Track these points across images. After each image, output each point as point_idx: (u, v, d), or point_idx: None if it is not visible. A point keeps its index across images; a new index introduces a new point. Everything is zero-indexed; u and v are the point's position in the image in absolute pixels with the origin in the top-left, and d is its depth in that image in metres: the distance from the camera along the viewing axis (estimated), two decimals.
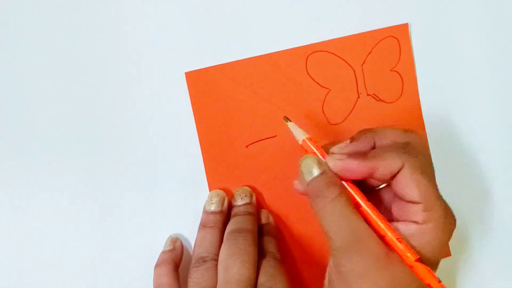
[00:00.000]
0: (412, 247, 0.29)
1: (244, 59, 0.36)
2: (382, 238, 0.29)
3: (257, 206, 0.36)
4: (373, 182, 0.32)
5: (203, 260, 0.32)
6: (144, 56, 0.35)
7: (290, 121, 0.34)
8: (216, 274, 0.31)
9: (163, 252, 0.35)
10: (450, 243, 0.40)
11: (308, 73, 0.37)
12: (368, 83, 0.38)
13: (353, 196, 0.30)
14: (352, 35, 0.37)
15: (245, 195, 0.35)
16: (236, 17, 0.36)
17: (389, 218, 0.31)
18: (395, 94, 0.39)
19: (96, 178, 0.35)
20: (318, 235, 0.35)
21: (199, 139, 0.35)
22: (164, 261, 0.34)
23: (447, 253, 0.40)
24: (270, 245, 0.34)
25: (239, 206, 0.35)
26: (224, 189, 0.35)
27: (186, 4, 0.35)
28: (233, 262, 0.31)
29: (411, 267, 0.29)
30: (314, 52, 0.37)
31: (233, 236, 0.32)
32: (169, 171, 0.35)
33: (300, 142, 0.33)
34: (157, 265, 0.34)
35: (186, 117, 0.35)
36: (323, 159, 0.31)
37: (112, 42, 0.35)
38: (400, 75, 0.39)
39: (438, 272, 0.40)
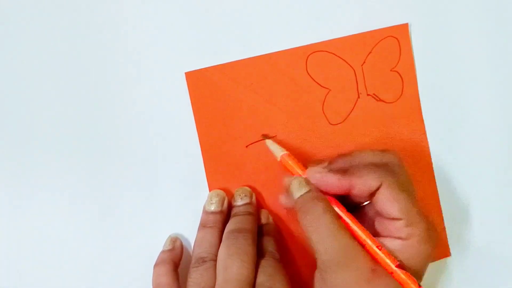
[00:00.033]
0: (400, 262, 0.30)
1: (244, 59, 0.36)
2: (362, 246, 0.30)
3: (257, 206, 0.36)
4: (357, 199, 0.33)
5: (202, 260, 0.32)
6: (144, 56, 0.35)
7: (269, 138, 0.35)
8: (216, 274, 0.31)
9: (162, 252, 0.35)
10: (450, 243, 0.40)
11: (308, 73, 0.37)
12: (368, 83, 0.38)
13: (334, 208, 0.31)
14: (352, 35, 0.37)
15: (245, 195, 0.35)
16: (236, 17, 0.36)
17: (373, 234, 0.32)
18: (395, 94, 0.39)
19: (96, 178, 0.35)
20: None
21: (199, 139, 0.35)
22: (163, 260, 0.34)
23: (447, 253, 0.40)
24: (269, 245, 0.34)
25: (239, 206, 0.35)
26: (224, 189, 0.35)
27: (186, 4, 0.35)
28: (232, 262, 0.31)
29: (391, 273, 0.30)
30: (314, 52, 0.37)
31: (232, 236, 0.32)
32: (169, 171, 0.35)
33: (279, 159, 0.34)
34: (156, 265, 0.34)
35: (186, 117, 0.35)
36: (309, 180, 0.32)
37: (112, 42, 0.35)
38: (400, 75, 0.39)
39: (438, 272, 0.40)
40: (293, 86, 0.37)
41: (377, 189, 0.31)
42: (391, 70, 0.39)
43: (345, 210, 0.32)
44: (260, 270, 0.31)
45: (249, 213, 0.34)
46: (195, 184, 0.36)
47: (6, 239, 0.34)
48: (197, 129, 0.35)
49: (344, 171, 0.31)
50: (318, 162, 0.34)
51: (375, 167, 0.31)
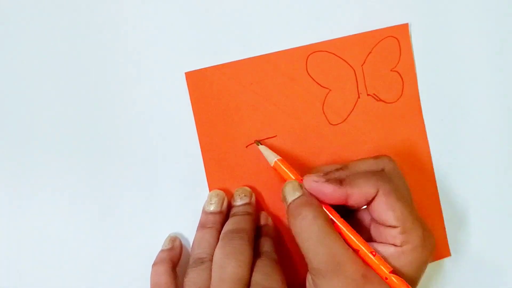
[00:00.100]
0: (394, 268, 0.30)
1: (244, 59, 0.36)
2: (356, 252, 0.30)
3: (257, 206, 0.36)
4: (354, 206, 0.32)
5: (200, 260, 0.32)
6: (144, 56, 0.35)
7: (262, 144, 0.35)
8: None
9: (161, 251, 0.35)
10: (450, 243, 0.40)
11: (308, 73, 0.37)
12: (368, 83, 0.38)
13: (327, 213, 0.31)
14: (352, 35, 0.37)
15: (245, 195, 0.35)
16: (236, 17, 0.36)
17: (368, 239, 0.32)
18: (395, 94, 0.39)
19: (96, 178, 0.35)
20: None
21: (199, 139, 0.35)
22: (162, 260, 0.34)
23: (447, 253, 0.40)
24: (266, 245, 0.34)
25: (238, 206, 0.35)
26: (224, 189, 0.35)
27: (186, 4, 0.35)
28: (228, 261, 0.31)
29: (385, 279, 0.29)
30: (314, 52, 0.37)
31: (229, 236, 0.32)
32: (169, 171, 0.35)
33: (272, 164, 0.34)
34: (155, 264, 0.34)
35: (186, 117, 0.35)
36: (302, 184, 0.32)
37: (112, 42, 0.35)
38: (400, 75, 0.39)
39: (438, 272, 0.40)
40: (293, 86, 0.37)
41: (373, 196, 0.30)
42: (391, 70, 0.39)
43: (338, 216, 0.31)
44: (256, 269, 0.31)
45: (248, 213, 0.34)
46: (195, 184, 0.36)
47: (6, 239, 0.34)
48: (197, 129, 0.35)
49: (340, 181, 0.31)
50: (314, 171, 0.34)
51: (371, 175, 0.31)
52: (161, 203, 0.35)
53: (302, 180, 0.32)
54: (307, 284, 0.32)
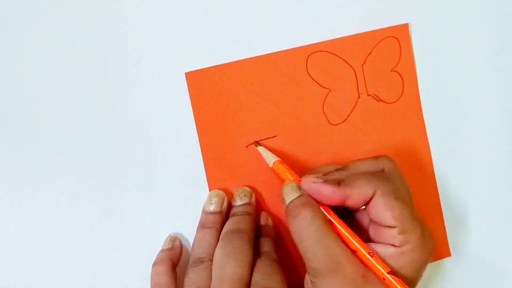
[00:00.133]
0: (391, 268, 0.30)
1: (244, 59, 0.36)
2: (354, 253, 0.30)
3: (257, 206, 0.36)
4: (352, 207, 0.32)
5: (200, 260, 0.32)
6: (144, 56, 0.35)
7: (260, 145, 0.35)
8: None
9: (161, 251, 0.35)
10: (450, 243, 0.40)
11: (308, 73, 0.37)
12: (369, 83, 0.38)
13: (325, 214, 0.31)
14: (352, 35, 0.37)
15: (245, 195, 0.35)
16: (236, 17, 0.36)
17: (367, 239, 0.32)
18: (396, 94, 0.39)
19: (96, 178, 0.35)
20: None
21: (199, 139, 0.35)
22: (162, 260, 0.34)
23: (447, 253, 0.40)
24: (266, 245, 0.34)
25: (238, 206, 0.35)
26: (224, 189, 0.35)
27: (186, 4, 0.35)
28: (228, 261, 0.31)
29: (383, 280, 0.29)
30: (314, 52, 0.37)
31: (229, 236, 0.32)
32: (169, 171, 0.35)
33: (271, 165, 0.34)
34: (155, 264, 0.34)
35: (186, 117, 0.35)
36: (300, 185, 0.32)
37: (112, 42, 0.35)
38: (400, 75, 0.39)
39: (439, 272, 0.40)
40: (293, 86, 0.37)
41: (372, 197, 0.30)
42: (391, 70, 0.39)
43: (336, 217, 0.31)
44: (256, 269, 0.31)
45: (247, 213, 0.34)
46: (195, 184, 0.36)
47: (6, 239, 0.34)
48: (197, 129, 0.35)
49: (339, 182, 0.31)
50: (313, 171, 0.34)
51: (369, 176, 0.31)
52: (161, 203, 0.35)
53: (300, 181, 0.32)
54: (305, 285, 0.32)
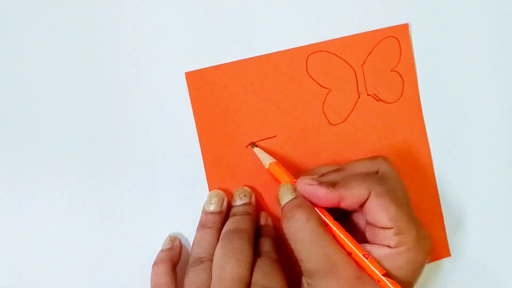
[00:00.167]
0: (386, 270, 0.30)
1: (244, 59, 0.36)
2: (349, 254, 0.30)
3: (257, 206, 0.36)
4: (347, 209, 0.32)
5: (200, 260, 0.32)
6: (144, 56, 0.35)
7: (256, 146, 0.35)
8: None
9: (161, 251, 0.35)
10: (450, 243, 0.40)
11: (308, 73, 0.37)
12: (369, 83, 0.38)
13: (320, 215, 0.31)
14: (352, 35, 0.37)
15: (244, 195, 0.35)
16: (236, 17, 0.36)
17: (363, 240, 0.32)
18: (396, 94, 0.39)
19: (96, 178, 0.35)
20: None
21: (199, 139, 0.35)
22: (162, 259, 0.34)
23: (447, 253, 0.40)
24: (266, 245, 0.34)
25: (238, 206, 0.35)
26: (224, 189, 0.35)
27: (186, 4, 0.35)
28: (227, 261, 0.31)
29: (378, 281, 0.29)
30: (314, 52, 0.37)
31: (229, 236, 0.32)
32: (169, 171, 0.35)
33: (267, 166, 0.34)
34: (155, 264, 0.34)
35: (186, 117, 0.35)
36: (295, 187, 0.32)
37: (112, 42, 0.35)
38: (400, 75, 0.39)
39: (439, 272, 0.40)
40: (293, 86, 0.37)
41: (367, 198, 0.30)
42: (391, 70, 0.39)
43: (331, 218, 0.31)
44: (256, 269, 0.31)
45: (247, 213, 0.34)
46: (195, 184, 0.36)
47: (6, 239, 0.34)
48: (197, 129, 0.35)
49: (333, 184, 0.31)
50: (309, 172, 0.34)
51: (364, 177, 0.31)
52: (161, 203, 0.35)
53: (296, 182, 0.32)
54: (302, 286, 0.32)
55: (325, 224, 0.31)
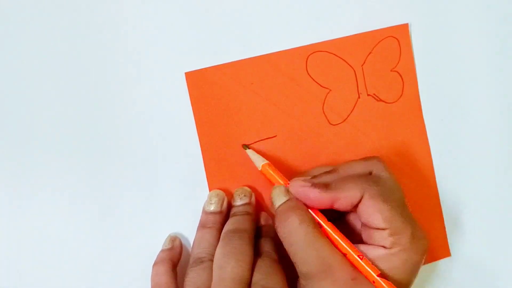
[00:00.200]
0: (382, 271, 0.30)
1: (244, 59, 0.36)
2: (344, 255, 0.30)
3: (257, 206, 0.36)
4: (341, 210, 0.32)
5: (200, 260, 0.32)
6: (144, 56, 0.35)
7: (249, 148, 0.35)
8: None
9: (161, 251, 0.35)
10: (450, 243, 0.40)
11: (308, 73, 0.37)
12: (369, 83, 0.38)
13: (314, 217, 0.31)
14: (352, 35, 0.37)
15: (244, 195, 0.35)
16: (236, 17, 0.36)
17: (359, 241, 0.32)
18: (396, 94, 0.39)
19: (96, 178, 0.35)
20: None
21: (199, 139, 0.35)
22: (163, 259, 0.34)
23: (447, 253, 0.40)
24: (266, 245, 0.34)
25: (238, 206, 0.35)
26: (224, 189, 0.35)
27: (186, 4, 0.35)
28: (228, 261, 0.31)
29: (373, 282, 0.29)
30: (314, 52, 0.37)
31: (229, 236, 0.32)
32: (169, 171, 0.35)
33: (260, 168, 0.34)
34: (155, 264, 0.34)
35: (186, 117, 0.35)
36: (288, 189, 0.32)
37: (112, 42, 0.35)
38: (400, 75, 0.39)
39: (439, 272, 0.40)
40: (293, 86, 0.37)
41: (360, 200, 0.30)
42: (391, 70, 0.39)
43: (325, 219, 0.31)
44: (256, 269, 0.31)
45: (247, 213, 0.34)
46: (195, 184, 0.36)
47: (6, 239, 0.34)
48: (197, 129, 0.35)
49: (326, 186, 0.31)
50: (303, 174, 0.34)
51: (356, 179, 0.31)
52: (161, 203, 0.35)
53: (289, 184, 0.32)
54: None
55: (319, 226, 0.31)
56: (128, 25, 0.35)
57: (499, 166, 0.41)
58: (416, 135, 0.39)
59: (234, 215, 0.34)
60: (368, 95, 0.38)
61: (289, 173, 0.36)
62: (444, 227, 0.40)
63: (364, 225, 0.32)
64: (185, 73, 0.35)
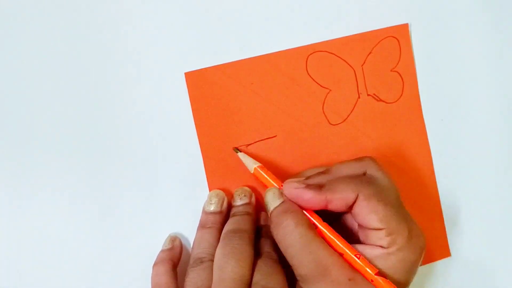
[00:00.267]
0: (380, 270, 0.30)
1: (244, 59, 0.36)
2: (341, 256, 0.30)
3: (257, 206, 0.36)
4: (336, 211, 0.32)
5: (200, 260, 0.32)
6: (144, 56, 0.35)
7: (240, 151, 0.35)
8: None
9: (162, 251, 0.35)
10: (450, 243, 0.40)
11: (308, 73, 0.37)
12: (369, 83, 0.38)
13: (309, 218, 0.31)
14: (352, 35, 0.37)
15: (244, 195, 0.35)
16: (236, 17, 0.36)
17: (356, 241, 0.31)
18: (396, 94, 0.39)
19: (96, 178, 0.35)
20: None
21: (199, 139, 0.35)
22: (163, 260, 0.34)
23: (447, 253, 0.40)
24: (267, 245, 0.34)
25: (238, 206, 0.35)
26: (224, 189, 0.35)
27: (186, 4, 0.35)
28: (228, 261, 0.31)
29: (371, 281, 0.29)
30: (314, 52, 0.37)
31: (229, 236, 0.32)
32: (169, 171, 0.35)
33: (252, 171, 0.34)
34: (155, 264, 0.34)
35: (186, 117, 0.35)
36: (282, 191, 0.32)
37: (112, 42, 0.35)
38: (400, 75, 0.39)
39: (439, 272, 0.40)
40: (293, 86, 0.37)
41: (354, 201, 0.30)
42: (391, 70, 0.39)
43: (321, 220, 0.31)
44: (257, 269, 0.31)
45: (247, 213, 0.34)
46: (195, 184, 0.36)
47: (6, 239, 0.34)
48: (197, 129, 0.35)
49: (321, 186, 0.31)
50: (296, 175, 0.34)
51: (350, 179, 0.31)
52: (161, 203, 0.35)
53: (282, 186, 0.32)
54: None
55: (314, 227, 0.31)
56: (128, 25, 0.35)
57: (499, 166, 0.41)
58: (416, 135, 0.39)
59: (234, 215, 0.34)
60: (368, 95, 0.38)
61: (289, 173, 0.36)
62: (444, 227, 0.40)
63: (360, 225, 0.32)
64: (185, 73, 0.35)
